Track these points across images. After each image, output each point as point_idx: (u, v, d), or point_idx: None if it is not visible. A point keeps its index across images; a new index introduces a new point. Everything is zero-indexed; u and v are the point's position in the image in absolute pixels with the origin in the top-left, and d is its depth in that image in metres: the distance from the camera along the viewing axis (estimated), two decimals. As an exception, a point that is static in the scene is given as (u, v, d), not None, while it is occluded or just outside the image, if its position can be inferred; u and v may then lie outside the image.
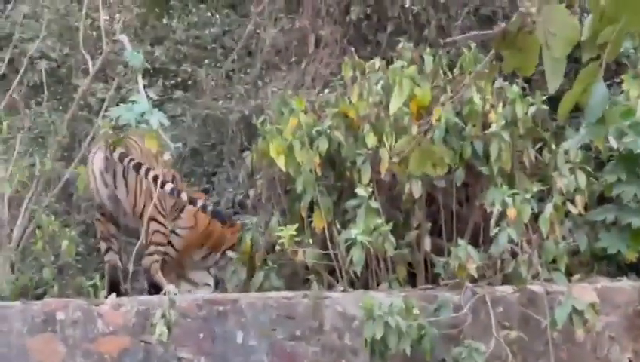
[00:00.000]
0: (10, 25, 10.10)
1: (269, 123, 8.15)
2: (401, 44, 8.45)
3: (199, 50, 10.98)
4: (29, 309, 6.98)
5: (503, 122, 7.78)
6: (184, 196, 7.93)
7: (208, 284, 8.70)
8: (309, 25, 9.88)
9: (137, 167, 7.77)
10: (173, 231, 8.30)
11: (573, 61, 3.72)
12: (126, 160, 7.80)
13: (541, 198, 7.76)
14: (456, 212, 7.96)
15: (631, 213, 7.98)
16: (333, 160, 8.07)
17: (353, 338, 7.23)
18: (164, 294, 7.05)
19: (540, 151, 8.12)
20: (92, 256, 9.51)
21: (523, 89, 8.04)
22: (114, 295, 7.50)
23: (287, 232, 7.50)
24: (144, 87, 5.97)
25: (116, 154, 7.83)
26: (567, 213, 7.81)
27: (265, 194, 8.33)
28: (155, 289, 7.85)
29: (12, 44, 9.49)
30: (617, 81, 8.34)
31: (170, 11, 11.43)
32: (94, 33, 10.47)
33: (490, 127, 7.80)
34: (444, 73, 8.19)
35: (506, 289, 7.52)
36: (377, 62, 8.27)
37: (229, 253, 8.29)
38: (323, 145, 7.82)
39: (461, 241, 7.46)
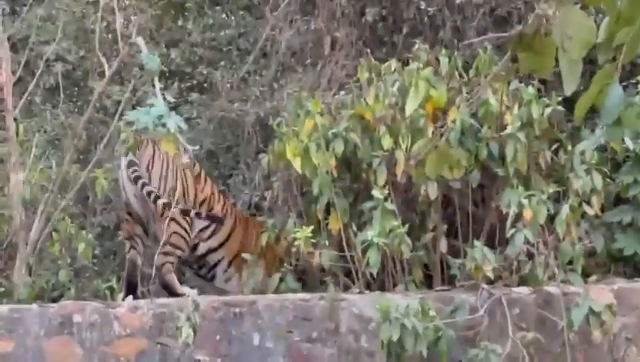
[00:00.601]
0: (26, 27, 10.12)
1: (285, 125, 8.17)
2: (416, 46, 8.43)
3: (215, 52, 10.99)
4: (45, 312, 6.99)
5: (519, 123, 7.77)
6: (192, 213, 7.98)
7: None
8: (325, 27, 9.87)
9: (148, 194, 7.81)
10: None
11: (589, 63, 3.72)
12: (140, 182, 7.84)
13: (557, 199, 7.74)
14: (472, 213, 7.97)
15: (647, 214, 7.97)
16: (349, 162, 8.07)
17: (369, 340, 7.23)
18: (181, 296, 7.05)
19: (555, 152, 8.10)
20: (108, 258, 9.55)
21: (539, 90, 8.02)
22: (130, 297, 7.52)
23: (303, 234, 7.52)
24: (160, 89, 5.96)
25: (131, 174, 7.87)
26: (584, 215, 7.79)
27: (281, 196, 8.35)
28: (167, 290, 7.85)
29: (28, 47, 9.53)
30: (633, 82, 8.32)
31: (186, 13, 11.44)
32: (110, 36, 10.52)
33: (505, 128, 7.79)
34: (460, 75, 8.18)
35: (523, 291, 7.52)
36: (393, 63, 8.27)
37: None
38: (339, 147, 7.83)
39: (477, 243, 7.45)
